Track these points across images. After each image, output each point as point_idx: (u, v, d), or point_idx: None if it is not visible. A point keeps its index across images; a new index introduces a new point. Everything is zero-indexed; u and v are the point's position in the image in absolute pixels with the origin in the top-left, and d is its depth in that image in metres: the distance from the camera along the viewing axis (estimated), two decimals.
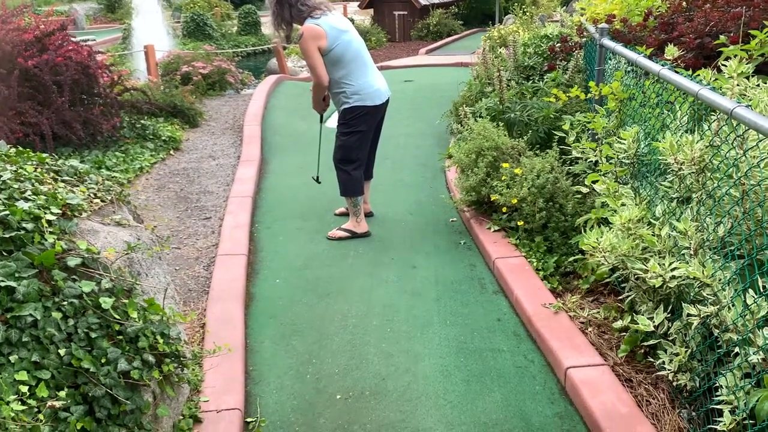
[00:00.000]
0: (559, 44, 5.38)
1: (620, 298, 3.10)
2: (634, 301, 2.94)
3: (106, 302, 2.02)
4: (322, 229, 4.56)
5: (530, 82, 5.73)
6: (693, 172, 2.49)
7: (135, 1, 13.60)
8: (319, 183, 4.93)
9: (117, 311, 2.05)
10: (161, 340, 2.14)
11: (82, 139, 5.65)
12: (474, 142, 4.43)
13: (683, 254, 2.49)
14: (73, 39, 6.28)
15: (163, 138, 6.46)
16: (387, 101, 4.32)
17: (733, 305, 2.15)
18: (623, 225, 2.91)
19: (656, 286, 2.53)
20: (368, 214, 4.71)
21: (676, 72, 3.37)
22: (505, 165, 4.05)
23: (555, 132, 4.40)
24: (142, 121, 6.57)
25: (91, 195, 2.63)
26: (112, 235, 2.29)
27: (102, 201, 2.67)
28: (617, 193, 3.29)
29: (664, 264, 2.58)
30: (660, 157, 2.67)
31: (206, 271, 3.88)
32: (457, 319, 3.34)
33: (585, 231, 3.34)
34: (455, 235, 4.38)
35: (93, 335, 1.97)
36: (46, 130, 5.10)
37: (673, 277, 2.44)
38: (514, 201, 3.92)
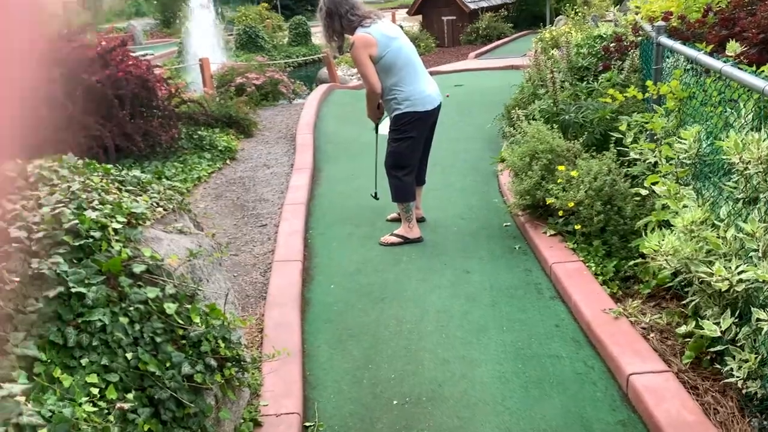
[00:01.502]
0: (613, 44, 5.27)
1: (683, 303, 3.00)
2: (698, 306, 2.85)
3: (170, 308, 2.08)
4: (373, 234, 4.58)
5: (584, 83, 5.63)
6: (760, 172, 2.40)
7: (190, 16, 13.97)
8: (377, 199, 4.83)
9: (180, 316, 2.11)
10: (222, 345, 2.19)
11: (143, 150, 5.84)
12: (528, 144, 4.38)
13: (751, 257, 2.40)
14: (132, 54, 6.52)
15: (220, 148, 6.62)
16: (439, 107, 4.31)
17: None
18: (686, 227, 2.83)
19: (722, 290, 2.45)
20: (420, 220, 4.70)
21: (740, 68, 3.27)
22: (561, 168, 3.99)
23: (611, 133, 4.31)
24: (199, 132, 6.75)
25: (154, 204, 2.71)
26: (174, 242, 2.36)
27: (164, 210, 2.75)
28: (678, 195, 3.20)
29: (730, 267, 2.49)
30: (724, 157, 2.59)
31: (263, 277, 3.95)
32: (514, 324, 3.30)
33: (645, 234, 3.26)
34: (509, 240, 4.33)
35: (158, 339, 2.03)
36: (109, 142, 5.29)
37: (741, 281, 2.36)
38: (571, 204, 3.85)
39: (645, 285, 3.41)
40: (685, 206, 3.07)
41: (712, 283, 2.48)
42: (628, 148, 3.99)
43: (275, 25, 22.72)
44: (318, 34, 23.13)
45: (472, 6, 17.85)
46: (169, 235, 2.41)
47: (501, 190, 5.25)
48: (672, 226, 2.94)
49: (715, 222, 2.76)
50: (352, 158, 6.72)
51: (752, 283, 2.31)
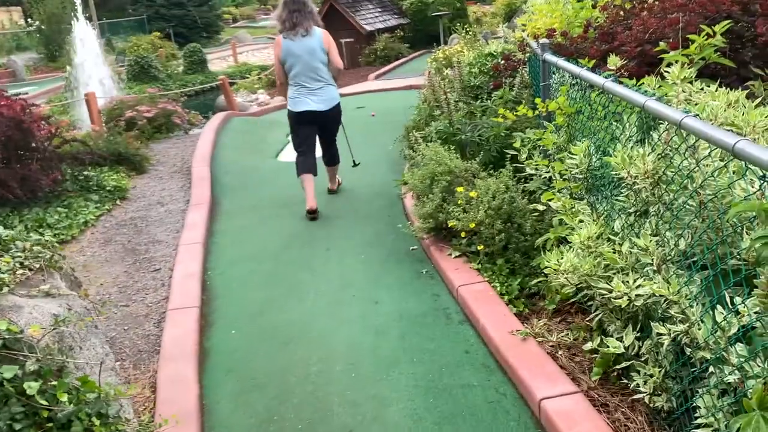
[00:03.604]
0: (502, 62, 5.36)
1: (589, 317, 3.00)
2: (602, 320, 2.85)
3: (32, 387, 1.83)
4: (276, 270, 4.39)
5: (478, 101, 5.69)
6: (648, 186, 2.42)
7: (75, 49, 13.26)
8: (357, 164, 6.20)
9: (45, 395, 1.86)
10: (98, 422, 1.94)
11: (21, 197, 5.38)
12: (427, 167, 4.34)
13: (647, 271, 2.41)
14: (5, 94, 6.04)
15: (108, 188, 6.22)
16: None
17: (702, 322, 2.06)
18: (582, 243, 2.83)
19: (622, 306, 2.44)
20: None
21: (621, 83, 3.34)
22: (459, 189, 3.96)
23: (507, 150, 4.34)
24: (85, 173, 6.32)
25: (17, 265, 2.43)
26: (38, 308, 2.10)
27: (30, 270, 2.47)
28: (574, 210, 3.22)
29: (628, 281, 2.49)
30: (612, 172, 2.60)
31: (157, 329, 3.66)
32: (424, 355, 3.20)
33: (545, 251, 3.25)
34: (417, 264, 4.26)
35: (17, 427, 1.77)
36: None
37: (639, 296, 2.35)
38: (472, 225, 3.82)
39: (550, 301, 3.40)
40: (581, 221, 3.09)
41: (611, 299, 2.47)
42: (523, 164, 4.02)
43: (169, 53, 22.04)
44: (214, 61, 22.71)
45: (369, 28, 18.00)
46: (32, 301, 2.15)
47: (406, 213, 5.18)
48: (570, 242, 2.94)
49: (610, 236, 2.78)
50: (252, 188, 6.51)
51: (649, 298, 2.31)
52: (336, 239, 4.85)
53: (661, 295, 2.21)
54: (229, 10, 39.43)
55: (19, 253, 2.51)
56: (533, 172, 3.91)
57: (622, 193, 2.74)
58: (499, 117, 4.21)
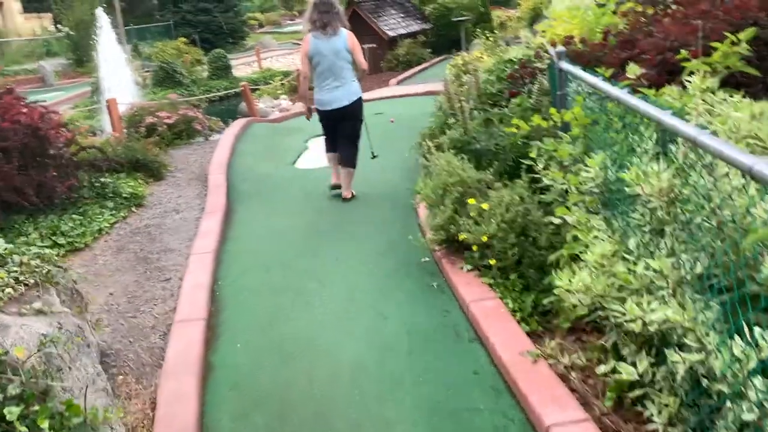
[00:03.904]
0: (519, 70, 5.23)
1: (603, 338, 2.87)
2: (616, 343, 2.72)
3: (12, 413, 1.77)
4: (286, 281, 4.32)
5: (496, 108, 5.57)
6: (663, 204, 2.29)
7: (101, 54, 13.42)
8: (376, 156, 6.39)
9: (26, 421, 1.80)
10: None
11: (37, 204, 5.39)
12: (439, 177, 4.23)
13: (662, 294, 2.28)
14: (24, 102, 6.08)
15: (124, 195, 6.21)
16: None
17: (719, 353, 1.93)
18: (596, 262, 2.71)
19: (636, 330, 2.31)
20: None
21: (640, 91, 3.21)
22: (471, 201, 3.85)
23: (523, 160, 4.22)
24: (102, 179, 6.33)
25: (12, 280, 2.39)
26: (26, 328, 2.05)
27: (25, 285, 2.42)
28: (588, 225, 3.09)
29: (642, 304, 2.37)
30: (627, 189, 2.48)
31: (162, 341, 3.61)
32: (431, 375, 3.09)
33: (557, 269, 3.13)
34: (428, 277, 4.15)
35: None
36: None
37: (653, 321, 2.22)
38: (484, 238, 3.71)
39: (564, 319, 3.27)
40: (595, 237, 2.96)
41: (624, 324, 2.35)
42: (540, 174, 3.90)
43: (194, 59, 22.22)
44: (240, 66, 22.83)
45: (391, 33, 17.95)
46: (20, 320, 2.10)
47: (420, 223, 5.08)
48: (584, 259, 2.82)
49: (626, 254, 2.65)
50: (268, 196, 6.46)
51: (664, 323, 2.18)
52: (347, 248, 4.77)
53: (675, 322, 2.09)
54: (255, 15, 39.69)
55: (15, 268, 2.47)
56: (550, 182, 3.79)
57: (637, 210, 2.61)
58: (512, 127, 4.09)
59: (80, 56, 22.49)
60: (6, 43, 25.71)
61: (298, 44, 29.41)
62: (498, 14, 21.73)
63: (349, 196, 5.89)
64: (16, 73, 21.86)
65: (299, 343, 3.50)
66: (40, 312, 2.23)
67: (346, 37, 5.62)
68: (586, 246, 2.94)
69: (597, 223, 3.05)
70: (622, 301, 2.51)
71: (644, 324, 2.31)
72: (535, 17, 17.18)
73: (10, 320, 2.05)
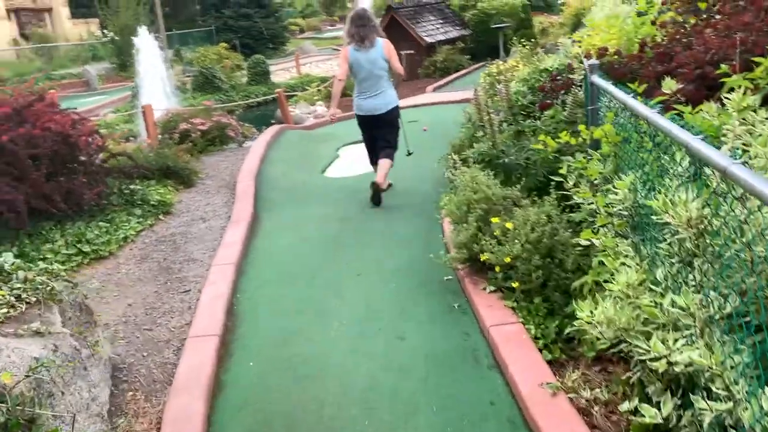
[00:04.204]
0: (549, 82, 5.05)
1: (629, 373, 2.70)
2: (641, 378, 2.54)
3: None
4: (305, 295, 4.25)
5: (528, 120, 5.39)
6: (692, 236, 2.12)
7: (139, 59, 13.64)
8: (411, 154, 6.54)
9: None
10: None
11: (65, 211, 5.44)
12: (463, 193, 4.10)
13: (689, 333, 2.11)
14: (58, 108, 6.16)
15: (152, 202, 6.23)
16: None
17: (749, 403, 1.75)
18: (621, 291, 2.54)
19: (660, 370, 2.15)
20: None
21: (675, 108, 3.03)
22: (494, 219, 3.70)
23: (552, 177, 4.06)
24: (131, 186, 6.37)
25: (13, 298, 2.35)
26: (18, 351, 2.00)
27: (27, 303, 2.38)
28: (616, 250, 2.92)
29: (668, 341, 2.20)
30: (654, 218, 2.31)
31: (176, 356, 3.56)
32: (446, 402, 2.96)
33: (580, 295, 2.97)
34: (449, 297, 4.01)
35: None
36: (20, 206, 4.89)
37: (678, 363, 2.06)
38: (507, 260, 3.56)
39: (588, 348, 3.10)
40: (622, 264, 2.79)
41: (647, 362, 2.18)
42: (569, 192, 3.73)
43: (234, 64, 22.47)
44: (278, 72, 23.01)
45: (429, 39, 17.83)
46: (13, 342, 2.05)
47: (445, 238, 4.95)
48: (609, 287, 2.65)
49: (652, 286, 2.48)
50: (296, 205, 6.41)
51: (689, 365, 2.01)
52: (369, 263, 4.67)
53: (702, 365, 1.92)
54: (296, 21, 40.07)
55: (18, 285, 2.44)
56: (580, 201, 3.62)
57: (665, 238, 2.44)
58: (539, 144, 3.93)
59: (123, 61, 22.96)
60: (54, 47, 26.44)
61: (338, 50, 29.57)
62: (540, 20, 21.39)
63: (385, 185, 6.11)
64: (62, 77, 22.43)
65: (313, 364, 3.41)
66: (37, 333, 2.18)
67: (382, 46, 5.94)
68: (612, 273, 2.78)
69: (625, 248, 2.87)
70: (648, 335, 2.34)
71: (669, 364, 2.14)
72: (577, 24, 16.83)
73: (2, 342, 2.00)
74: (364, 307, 4.01)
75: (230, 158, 8.84)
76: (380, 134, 6.16)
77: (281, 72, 23.51)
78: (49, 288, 2.49)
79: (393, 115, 6.11)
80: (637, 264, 2.71)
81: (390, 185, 6.33)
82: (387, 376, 3.24)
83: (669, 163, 2.67)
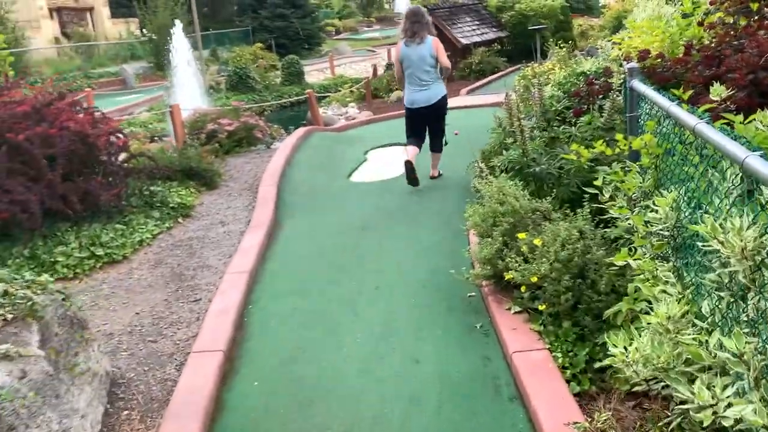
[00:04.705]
0: (584, 87, 4.73)
1: (667, 419, 2.39)
2: (683, 426, 2.24)
3: None
4: (319, 308, 4.02)
5: (563, 126, 5.07)
6: (747, 269, 1.82)
7: (173, 58, 13.66)
8: (446, 144, 6.76)
9: None
10: None
11: (81, 212, 5.32)
12: (489, 205, 3.82)
13: (743, 383, 1.81)
14: (80, 107, 6.08)
15: (171, 205, 6.09)
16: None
17: None
18: (661, 324, 2.24)
19: (705, 423, 1.85)
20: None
21: (724, 117, 2.71)
22: (521, 236, 3.42)
23: (586, 189, 3.75)
24: (152, 188, 6.24)
25: None
26: None
27: (5, 320, 2.20)
28: (655, 274, 2.62)
29: (715, 388, 1.90)
30: (701, 245, 2.01)
31: (177, 372, 3.37)
32: None
33: (614, 326, 2.68)
34: (471, 316, 3.74)
35: None
36: (33, 207, 4.77)
37: (726, 417, 1.76)
38: (534, 279, 3.27)
39: (622, 384, 2.80)
40: (662, 291, 2.49)
41: (691, 411, 1.89)
42: (605, 205, 3.43)
43: (269, 64, 22.47)
44: (313, 73, 22.92)
45: (464, 41, 17.49)
46: None
47: (470, 252, 4.66)
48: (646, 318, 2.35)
49: (696, 320, 2.17)
50: (317, 210, 6.21)
51: (740, 422, 1.71)
52: (390, 275, 4.42)
53: (757, 426, 1.62)
54: (333, 22, 40.03)
55: None
56: (617, 215, 3.31)
57: (713, 267, 2.13)
58: (571, 153, 3.62)
59: (160, 60, 23.14)
60: (94, 46, 26.83)
61: (373, 51, 29.41)
62: (580, 23, 20.86)
63: (436, 174, 6.78)
64: (100, 75, 22.70)
65: (320, 387, 3.18)
66: (5, 357, 1.98)
67: (431, 43, 6.27)
68: (650, 301, 2.48)
69: (665, 273, 2.57)
70: (690, 378, 2.04)
71: (715, 415, 1.85)
72: (618, 26, 16.30)
73: None
74: (379, 324, 3.76)
75: (255, 160, 8.68)
76: (429, 123, 6.56)
77: (315, 72, 23.43)
78: (30, 303, 2.30)
79: (441, 105, 6.44)
80: (679, 293, 2.41)
81: (440, 174, 6.82)
82: (397, 404, 2.98)
83: (718, 179, 2.37)
